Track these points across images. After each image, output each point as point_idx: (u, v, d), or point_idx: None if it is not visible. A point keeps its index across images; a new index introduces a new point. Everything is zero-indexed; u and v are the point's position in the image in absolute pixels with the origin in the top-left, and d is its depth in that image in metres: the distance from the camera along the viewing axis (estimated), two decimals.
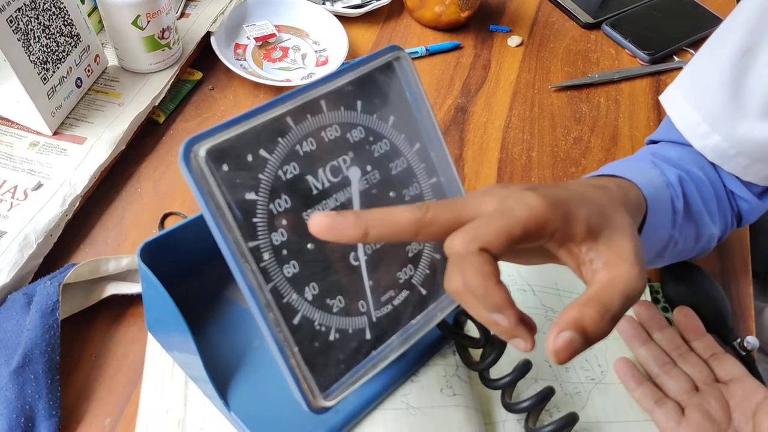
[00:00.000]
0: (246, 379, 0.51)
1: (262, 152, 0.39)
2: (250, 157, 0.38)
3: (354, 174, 0.44)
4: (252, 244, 0.38)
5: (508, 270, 0.65)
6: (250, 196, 0.38)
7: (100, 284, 0.58)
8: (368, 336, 0.44)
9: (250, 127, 0.39)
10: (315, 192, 0.41)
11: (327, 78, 0.43)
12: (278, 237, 0.39)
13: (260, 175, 0.39)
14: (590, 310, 0.35)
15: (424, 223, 0.37)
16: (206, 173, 0.37)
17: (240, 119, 0.38)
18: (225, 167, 0.37)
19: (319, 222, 0.36)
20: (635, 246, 0.38)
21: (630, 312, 0.63)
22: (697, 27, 1.01)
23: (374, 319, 0.44)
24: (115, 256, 0.58)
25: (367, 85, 0.45)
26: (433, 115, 0.48)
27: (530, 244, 0.37)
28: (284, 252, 0.39)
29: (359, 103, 0.44)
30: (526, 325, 0.36)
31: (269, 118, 0.39)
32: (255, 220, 0.39)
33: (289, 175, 0.40)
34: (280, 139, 0.40)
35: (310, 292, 0.41)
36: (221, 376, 0.50)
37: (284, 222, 0.40)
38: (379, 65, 0.45)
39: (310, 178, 0.41)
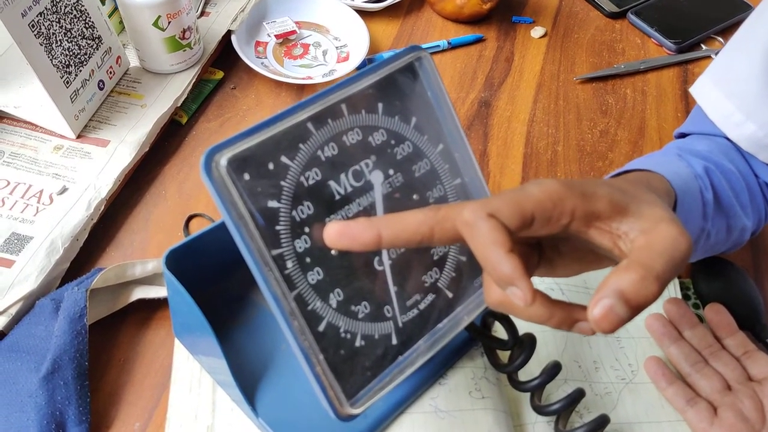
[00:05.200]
0: (273, 384, 0.51)
1: (284, 159, 0.39)
2: (271, 165, 0.38)
3: (377, 178, 0.43)
4: (275, 252, 0.38)
5: None
6: (273, 203, 0.38)
7: (126, 288, 0.59)
8: (394, 341, 0.43)
9: (270, 135, 0.38)
10: (338, 197, 0.41)
11: (347, 81, 0.42)
12: (302, 244, 0.39)
13: (282, 182, 0.39)
14: (630, 274, 0.33)
15: (438, 221, 0.36)
16: (228, 183, 0.36)
17: (260, 127, 0.38)
18: (246, 176, 0.37)
19: (331, 230, 0.36)
20: (669, 211, 0.37)
21: (660, 310, 0.62)
22: (725, 14, 0.98)
23: (400, 324, 0.43)
24: (141, 260, 0.58)
25: (388, 87, 0.44)
26: (455, 115, 0.47)
27: (553, 227, 0.36)
28: (308, 259, 0.39)
29: (380, 106, 0.44)
30: (548, 300, 0.35)
31: (290, 125, 0.39)
32: (278, 227, 0.38)
33: (311, 181, 0.40)
34: (301, 145, 0.40)
35: (334, 298, 0.40)
36: (248, 381, 0.50)
37: (307, 229, 0.39)
38: (400, 66, 0.44)
39: (332, 183, 0.41)
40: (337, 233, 0.36)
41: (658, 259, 0.33)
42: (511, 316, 0.49)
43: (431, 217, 0.36)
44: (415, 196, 0.45)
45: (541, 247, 0.42)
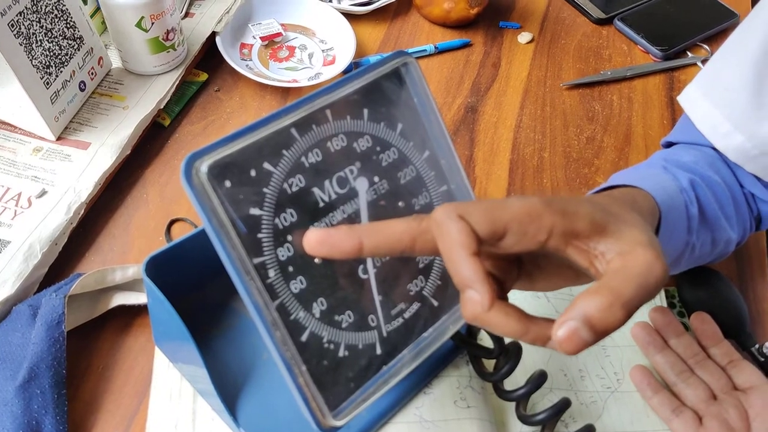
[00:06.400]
0: (255, 394, 0.50)
1: (267, 165, 0.38)
2: (253, 172, 0.37)
3: (361, 185, 0.42)
4: (257, 260, 0.37)
5: None
6: (255, 211, 0.37)
7: (106, 294, 0.58)
8: (379, 351, 0.42)
9: (253, 141, 0.37)
10: (322, 204, 0.40)
11: (332, 87, 0.41)
12: (284, 252, 0.38)
13: (265, 189, 0.38)
14: (598, 298, 0.32)
15: (420, 231, 0.35)
16: (208, 190, 0.35)
17: (242, 132, 0.37)
18: (227, 183, 0.36)
19: (311, 238, 0.35)
20: (649, 234, 0.36)
21: (646, 318, 0.62)
22: (711, 21, 0.98)
23: (385, 334, 0.43)
24: (122, 266, 0.57)
25: (373, 93, 0.43)
26: (442, 121, 0.46)
27: (529, 242, 0.35)
28: (291, 268, 0.38)
29: (366, 112, 0.43)
30: (524, 316, 0.34)
31: (273, 131, 0.38)
32: (260, 235, 0.38)
33: (294, 188, 0.39)
34: (284, 152, 0.39)
35: (318, 308, 0.40)
36: (230, 391, 0.49)
37: (290, 237, 0.38)
38: (386, 72, 0.44)
39: (316, 190, 0.40)
40: (317, 241, 0.35)
41: (629, 284, 0.33)
42: None
43: (414, 227, 0.35)
44: (400, 203, 0.44)
45: (521, 262, 0.41)
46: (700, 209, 0.56)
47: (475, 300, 0.33)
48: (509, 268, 0.40)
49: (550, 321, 0.35)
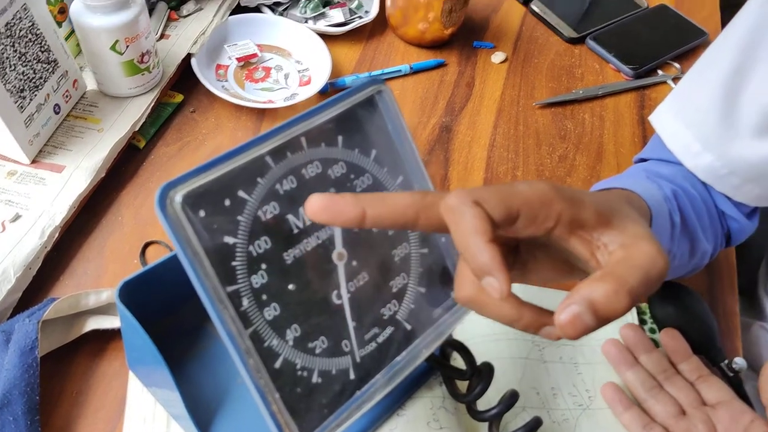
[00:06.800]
0: (229, 418, 0.50)
1: (241, 193, 0.38)
2: (227, 201, 0.38)
3: None
4: (231, 288, 0.37)
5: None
6: (229, 239, 0.38)
7: (80, 319, 0.58)
8: (352, 376, 0.43)
9: (227, 170, 0.38)
10: (296, 231, 0.41)
11: (307, 115, 0.42)
12: (258, 279, 0.39)
13: (239, 217, 0.38)
14: (603, 285, 0.33)
15: (424, 205, 0.35)
16: (182, 219, 0.36)
17: (217, 161, 0.38)
18: (202, 213, 0.36)
19: (315, 203, 0.34)
20: (649, 230, 0.37)
21: (617, 335, 0.63)
22: (681, 40, 1.01)
23: (358, 359, 0.43)
24: (96, 290, 0.57)
25: (348, 120, 0.44)
26: (414, 147, 0.47)
27: (538, 228, 0.36)
28: (264, 296, 0.39)
29: (340, 139, 0.43)
30: (518, 302, 0.35)
31: (248, 160, 0.39)
32: (234, 263, 0.38)
33: (269, 215, 0.40)
34: (259, 179, 0.39)
35: (291, 334, 0.40)
36: (203, 415, 0.50)
37: (264, 264, 0.39)
38: (360, 100, 0.44)
39: (290, 217, 0.41)
40: (321, 206, 0.34)
41: (634, 274, 0.34)
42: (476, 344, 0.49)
43: (418, 200, 0.35)
44: (374, 229, 0.45)
45: (518, 251, 0.42)
46: (681, 219, 0.57)
47: (494, 287, 0.33)
48: (506, 256, 0.41)
49: (543, 309, 0.35)
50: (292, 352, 0.40)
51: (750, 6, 0.56)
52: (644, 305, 0.68)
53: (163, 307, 0.51)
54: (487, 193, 0.34)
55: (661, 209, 0.54)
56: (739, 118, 0.56)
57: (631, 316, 0.66)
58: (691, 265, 0.62)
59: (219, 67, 0.85)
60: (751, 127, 0.56)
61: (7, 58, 0.63)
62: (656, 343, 0.64)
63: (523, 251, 0.42)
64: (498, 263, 0.32)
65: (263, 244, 0.39)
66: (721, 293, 0.72)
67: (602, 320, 0.32)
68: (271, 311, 0.39)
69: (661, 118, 0.63)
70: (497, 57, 0.95)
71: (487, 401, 0.51)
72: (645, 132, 0.88)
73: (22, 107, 0.65)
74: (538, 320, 0.35)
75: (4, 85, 0.63)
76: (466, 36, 0.97)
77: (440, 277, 0.48)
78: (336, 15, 0.93)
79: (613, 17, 1.04)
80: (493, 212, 0.34)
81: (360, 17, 0.94)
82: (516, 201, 0.35)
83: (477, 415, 0.51)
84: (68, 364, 0.57)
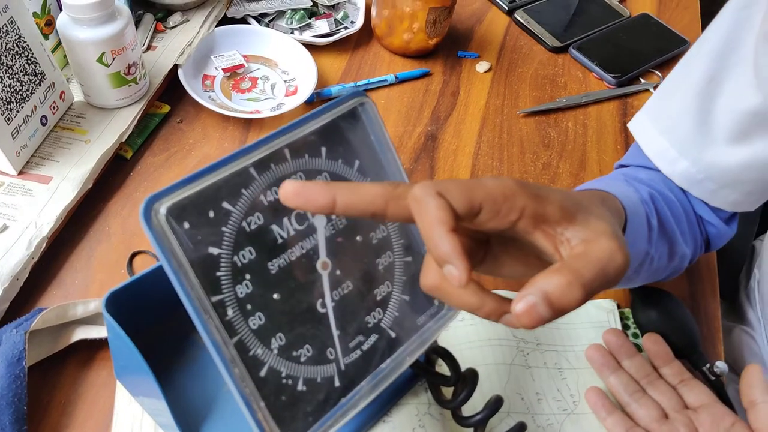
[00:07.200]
0: (216, 426, 0.50)
1: (226, 205, 0.39)
2: (212, 213, 0.38)
3: (319, 221, 0.44)
4: (216, 298, 0.38)
5: None
6: (213, 250, 0.38)
7: (68, 329, 0.58)
8: (337, 384, 0.43)
9: (212, 182, 0.38)
10: (280, 241, 0.41)
11: (291, 127, 0.43)
12: (243, 289, 0.39)
13: (224, 228, 0.39)
14: (558, 277, 0.34)
15: (394, 196, 0.36)
16: (167, 231, 0.36)
17: (202, 173, 0.38)
18: (186, 224, 0.37)
19: (288, 188, 0.35)
20: (614, 227, 0.38)
21: (600, 341, 0.64)
22: (662, 48, 1.02)
23: (343, 367, 0.44)
24: (83, 300, 0.58)
25: (331, 132, 0.45)
26: (397, 158, 0.48)
27: (501, 221, 0.36)
28: (249, 305, 0.39)
29: (324, 150, 0.44)
30: (481, 290, 0.36)
31: (231, 172, 0.39)
32: (219, 273, 0.38)
33: (253, 226, 0.40)
34: (243, 191, 0.40)
35: (276, 343, 0.41)
36: (191, 424, 0.50)
37: (248, 275, 0.39)
38: (344, 112, 0.45)
39: (275, 227, 0.41)
40: (293, 192, 0.35)
41: (591, 268, 0.34)
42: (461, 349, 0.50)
43: (389, 191, 0.36)
44: (358, 238, 0.46)
45: (489, 245, 0.43)
46: (659, 221, 0.58)
47: (453, 275, 0.33)
48: (476, 249, 0.42)
49: (505, 298, 0.36)
50: (277, 361, 0.40)
51: (723, 15, 0.57)
52: (627, 310, 0.69)
53: (150, 316, 0.51)
54: (452, 186, 0.35)
55: (637, 210, 0.55)
56: (714, 124, 0.57)
57: (615, 322, 0.67)
58: (671, 268, 0.63)
59: (206, 77, 0.86)
60: (726, 134, 0.57)
61: None
62: (639, 348, 0.65)
63: (494, 244, 0.43)
64: (458, 252, 0.33)
65: (248, 254, 0.40)
66: (703, 298, 0.73)
67: (557, 311, 0.33)
68: (256, 320, 0.40)
69: (639, 125, 0.64)
70: (482, 66, 0.96)
71: (473, 407, 0.51)
72: (627, 139, 0.89)
73: (9, 119, 0.66)
74: (499, 308, 0.36)
75: None
76: (450, 46, 0.98)
77: None
78: (322, 26, 0.94)
79: (596, 26, 1.05)
80: (456, 203, 0.35)
81: (346, 28, 0.95)
82: (479, 194, 0.36)
83: (462, 421, 0.52)
84: (56, 374, 0.58)
